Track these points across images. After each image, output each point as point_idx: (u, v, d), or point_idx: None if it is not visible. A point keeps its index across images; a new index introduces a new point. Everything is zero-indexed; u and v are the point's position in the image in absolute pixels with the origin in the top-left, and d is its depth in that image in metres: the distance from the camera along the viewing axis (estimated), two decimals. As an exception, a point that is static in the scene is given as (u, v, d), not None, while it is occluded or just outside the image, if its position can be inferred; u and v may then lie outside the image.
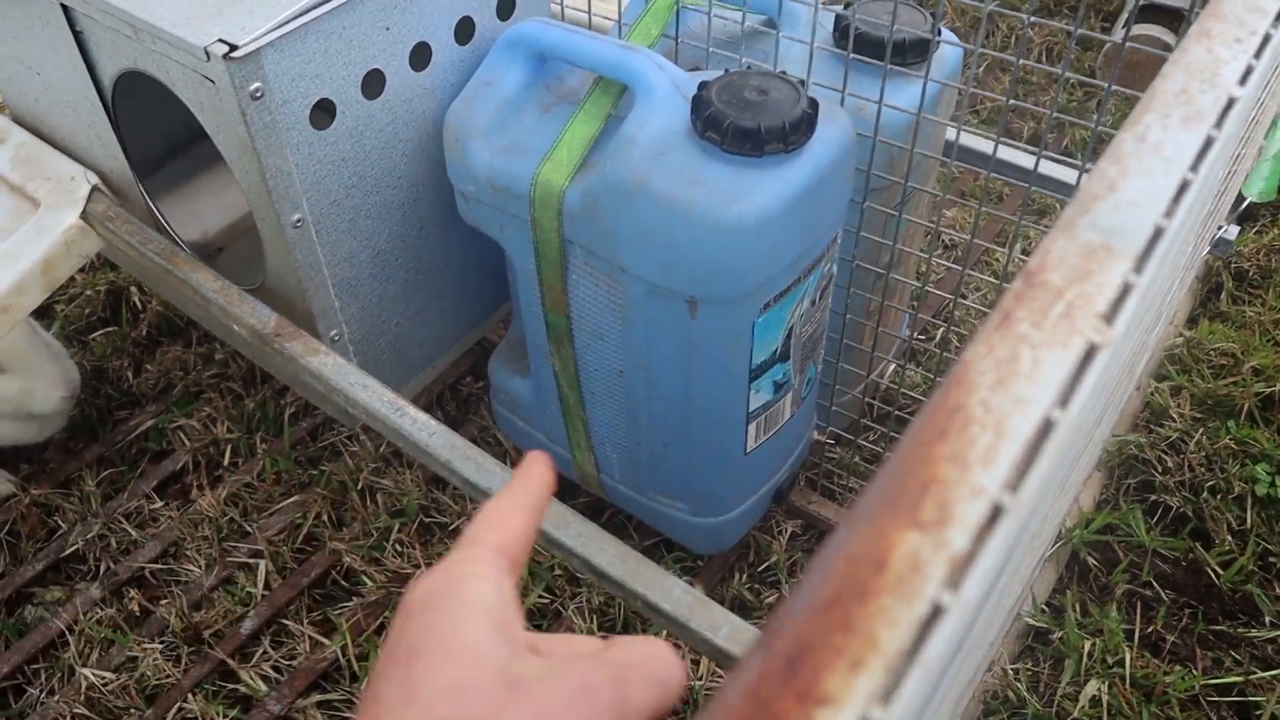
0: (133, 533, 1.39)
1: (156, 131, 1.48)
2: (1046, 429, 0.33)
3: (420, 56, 1.05)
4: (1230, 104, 0.49)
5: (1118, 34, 2.11)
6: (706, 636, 0.77)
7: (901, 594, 0.28)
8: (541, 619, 1.27)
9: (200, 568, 1.35)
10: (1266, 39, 0.54)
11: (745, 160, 0.90)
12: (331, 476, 1.42)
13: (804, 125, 0.90)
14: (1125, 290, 0.38)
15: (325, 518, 1.39)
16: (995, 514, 0.30)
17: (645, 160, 0.91)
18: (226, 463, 1.48)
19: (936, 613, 0.28)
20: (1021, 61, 0.85)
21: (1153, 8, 2.07)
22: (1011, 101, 0.87)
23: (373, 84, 1.02)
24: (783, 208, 0.89)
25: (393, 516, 1.37)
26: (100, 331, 1.65)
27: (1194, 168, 0.44)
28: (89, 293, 1.71)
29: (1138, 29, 2.05)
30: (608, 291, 1.01)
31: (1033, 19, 0.85)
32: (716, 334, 0.97)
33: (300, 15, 0.93)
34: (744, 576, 1.30)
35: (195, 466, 1.48)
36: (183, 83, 0.98)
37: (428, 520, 1.37)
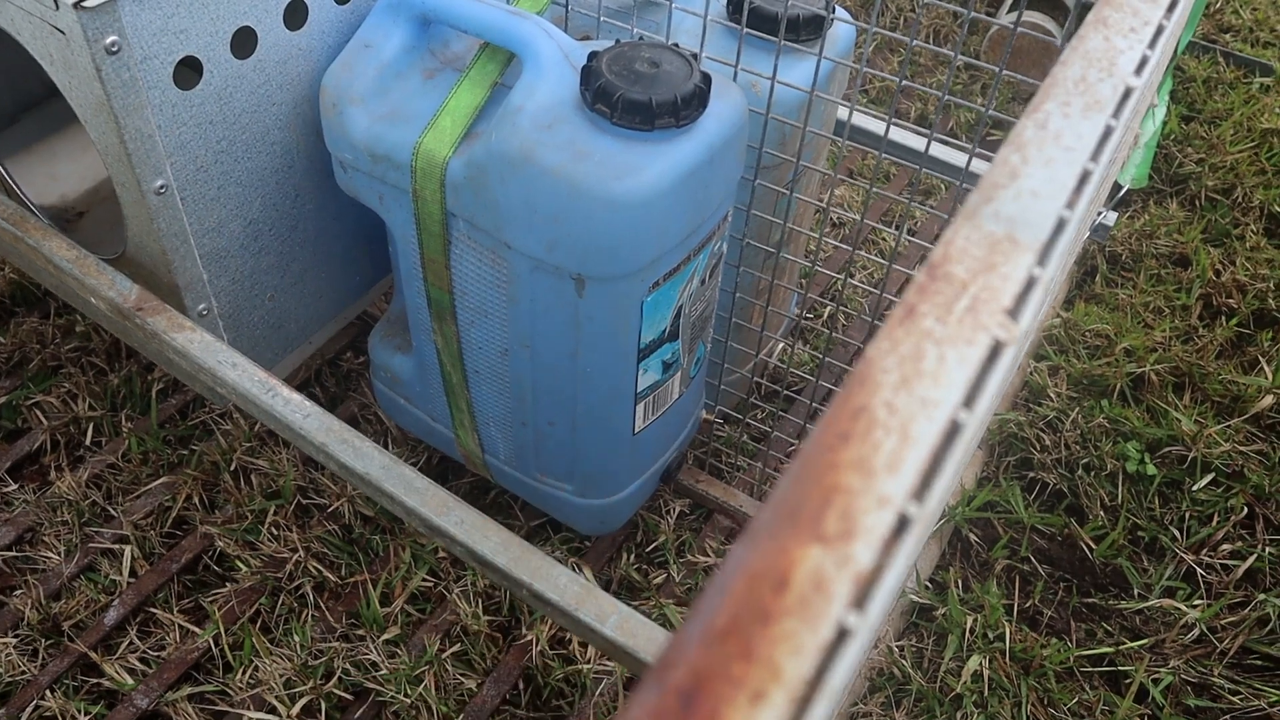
0: (-18, 517, 1.30)
1: (4, 85, 1.37)
2: (953, 432, 0.31)
3: (296, 14, 0.99)
4: (1128, 93, 0.48)
5: (1004, 18, 2.14)
6: (595, 627, 0.75)
7: (805, 617, 0.26)
8: (425, 603, 1.24)
9: (59, 555, 1.27)
10: (1160, 29, 0.54)
11: (635, 134, 0.87)
12: (203, 456, 1.35)
13: (696, 100, 0.87)
14: (1030, 284, 0.37)
15: (196, 500, 1.32)
16: (901, 525, 0.29)
17: (532, 131, 0.88)
18: (88, 442, 1.39)
19: (842, 636, 0.26)
20: (915, 43, 0.84)
21: (1035, -7, 2.11)
22: (904, 82, 0.87)
23: (244, 42, 0.96)
24: (673, 184, 0.87)
25: (268, 498, 1.31)
26: (-55, 300, 1.54)
27: (1094, 157, 0.43)
28: (-68, 258, 1.58)
29: (1016, 16, 2.09)
30: (492, 267, 0.97)
31: (924, 1, 0.84)
32: (604, 313, 0.94)
33: (161, -35, 0.86)
34: (631, 557, 1.28)
35: (54, 446, 1.39)
36: (29, 33, 0.90)
37: (305, 502, 1.32)
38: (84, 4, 0.82)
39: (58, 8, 0.83)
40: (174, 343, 0.94)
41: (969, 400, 0.32)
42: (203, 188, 1.00)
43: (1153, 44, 0.53)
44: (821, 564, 0.27)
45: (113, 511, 1.31)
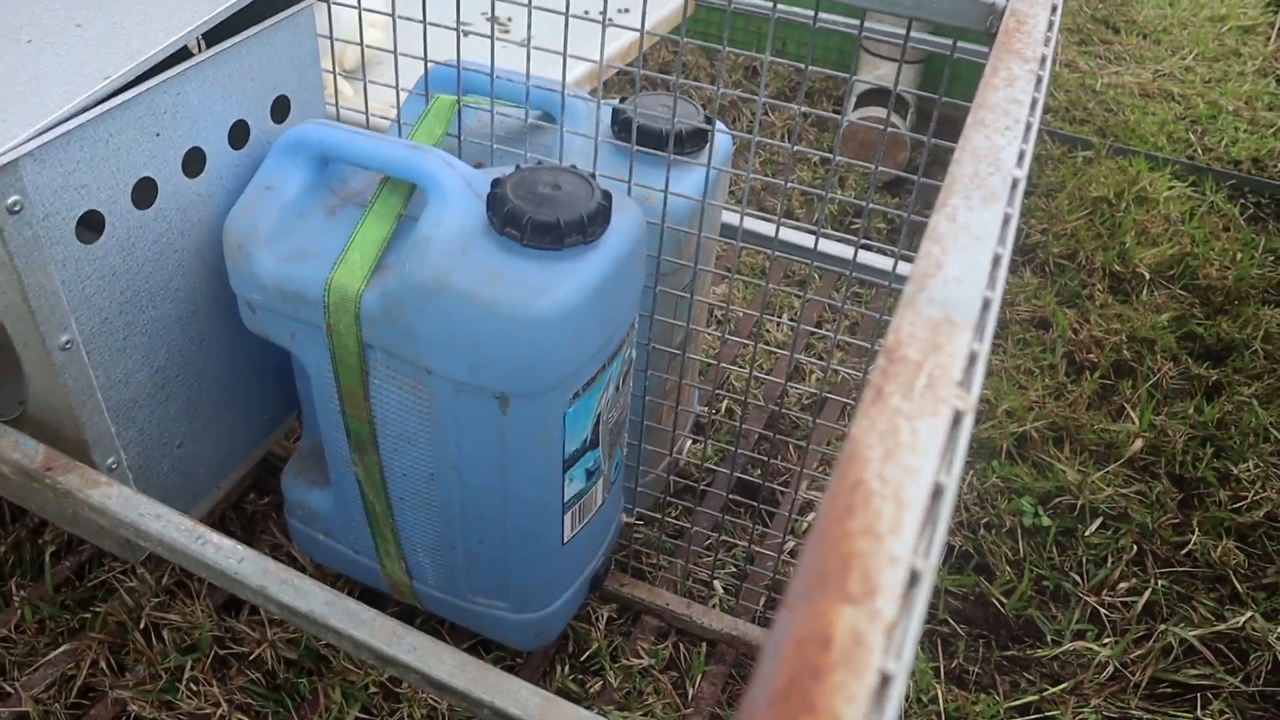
0: None
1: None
2: (938, 492, 0.35)
3: (194, 162, 1.01)
4: (1015, 183, 0.55)
5: (851, 115, 2.29)
6: (561, 735, 0.75)
7: (851, 669, 0.29)
8: (360, 742, 1.20)
9: (-46, 741, 1.19)
10: (1029, 125, 0.61)
11: (545, 254, 0.91)
12: (107, 617, 1.30)
13: (600, 217, 0.92)
14: (973, 358, 0.41)
15: (104, 664, 1.26)
16: (913, 579, 0.32)
17: (445, 259, 0.91)
18: (-23, 617, 1.32)
19: (885, 681, 0.29)
20: (796, 148, 0.91)
21: (872, 92, 2.27)
22: (788, 184, 0.93)
23: (144, 193, 0.96)
24: (586, 298, 0.91)
25: (183, 653, 1.27)
26: None
27: (1000, 242, 0.49)
28: None
29: (863, 111, 2.25)
30: (413, 393, 0.98)
31: (803, 108, 0.91)
32: (529, 427, 0.97)
33: (63, 122, 0.87)
34: (566, 668, 1.28)
35: (-62, 625, 1.31)
36: (-79, 200, 0.89)
37: (223, 652, 1.28)
38: (-15, 168, 0.82)
39: (-43, 173, 0.83)
40: (90, 499, 0.92)
41: (947, 466, 0.36)
42: (108, 340, 0.99)
43: (1025, 139, 0.60)
44: (855, 621, 0.30)
45: (8, 688, 1.24)
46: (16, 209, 0.85)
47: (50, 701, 1.23)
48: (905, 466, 0.36)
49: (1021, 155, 0.57)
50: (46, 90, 0.90)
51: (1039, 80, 0.65)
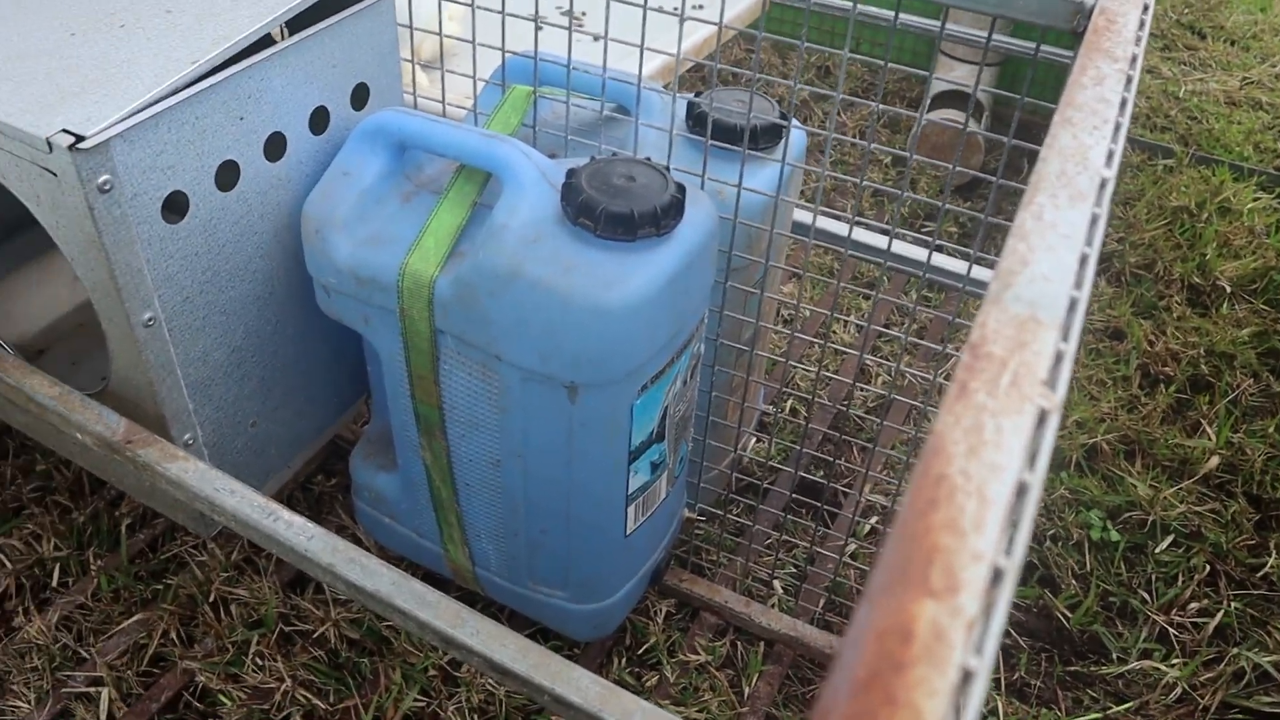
0: (-55, 670, 1.26)
1: (-33, 230, 1.38)
2: (1022, 491, 0.34)
3: (275, 147, 1.03)
4: (1103, 183, 0.53)
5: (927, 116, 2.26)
6: (619, 725, 0.75)
7: (932, 663, 0.28)
8: (418, 723, 1.22)
9: (29, 703, 1.23)
10: (1118, 125, 0.60)
11: (618, 245, 0.91)
12: (178, 590, 1.33)
13: (674, 209, 0.92)
14: (1059, 357, 0.41)
15: (174, 635, 1.29)
16: (996, 576, 0.31)
17: (519, 247, 0.91)
18: (55, 583, 1.36)
19: (967, 677, 0.29)
20: (872, 146, 0.90)
21: (948, 94, 2.24)
22: (864, 183, 0.93)
23: (227, 175, 0.99)
24: (657, 290, 0.91)
25: (250, 628, 1.29)
26: (-102, 449, 1.51)
27: (1088, 242, 0.48)
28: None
29: (938, 113, 2.22)
30: (483, 380, 0.99)
31: (880, 105, 0.90)
32: (596, 418, 0.97)
33: (151, 105, 0.89)
34: (623, 660, 1.28)
35: (18, 590, 1.35)
36: (16, 175, 0.92)
37: (288, 629, 1.30)
38: (78, 146, 0.84)
39: (51, 150, 0.85)
40: (168, 473, 0.94)
41: (1031, 463, 0.36)
42: (189, 318, 1.01)
43: (1114, 139, 0.59)
44: (937, 616, 0.30)
45: (85, 653, 1.28)
46: (107, 188, 0.88)
47: (123, 668, 1.26)
48: (989, 463, 0.35)
49: (1110, 155, 0.56)
50: (137, 74, 0.93)
51: (1129, 80, 0.63)
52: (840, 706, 0.27)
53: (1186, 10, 3.03)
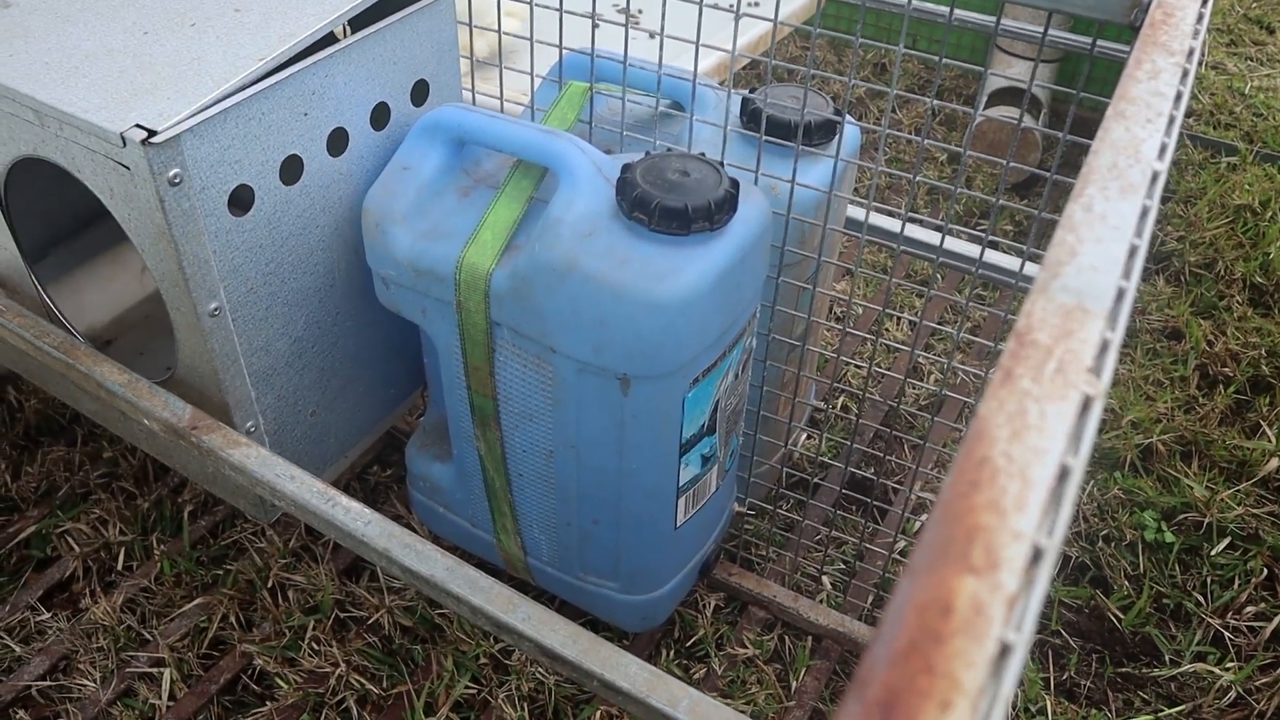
0: (16, 648, 1.30)
1: (40, 220, 1.43)
2: (1064, 474, 0.35)
3: (337, 142, 1.05)
4: (1155, 176, 0.54)
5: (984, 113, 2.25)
6: (668, 712, 0.77)
7: (971, 636, 0.29)
8: (470, 710, 1.24)
9: (95, 681, 1.27)
10: (1172, 119, 0.60)
11: (672, 239, 0.92)
12: (238, 575, 1.37)
13: (727, 204, 0.93)
14: (1104, 346, 0.41)
15: (233, 619, 1.33)
16: (1036, 555, 0.32)
17: (574, 241, 0.93)
18: (120, 567, 1.40)
19: (1005, 650, 0.29)
20: (926, 141, 0.90)
21: (1004, 91, 2.22)
22: (918, 178, 0.93)
23: (291, 169, 1.01)
24: (711, 284, 0.92)
25: (306, 614, 1.33)
26: (-26, 434, 1.56)
27: (1138, 234, 0.48)
28: (-39, 394, 1.62)
29: (994, 110, 2.20)
30: (537, 372, 1.01)
31: (935, 101, 0.90)
32: (648, 410, 0.98)
33: (220, 101, 0.92)
34: (671, 653, 1.30)
35: (85, 573, 1.40)
36: (90, 169, 0.96)
37: (343, 615, 1.33)
38: (151, 141, 0.87)
39: (125, 145, 0.89)
40: (231, 458, 0.97)
41: (1075, 448, 0.36)
42: (252, 309, 1.04)
43: (1167, 132, 0.59)
44: (977, 591, 0.31)
45: (148, 635, 1.32)
46: (177, 181, 0.91)
47: (184, 650, 1.30)
48: (1032, 447, 0.36)
49: (1163, 149, 0.56)
50: (207, 71, 0.96)
51: (1185, 74, 0.63)
52: (879, 675, 0.28)
53: (1255, 4, 2.97)
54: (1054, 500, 0.34)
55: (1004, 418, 0.37)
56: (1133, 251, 0.47)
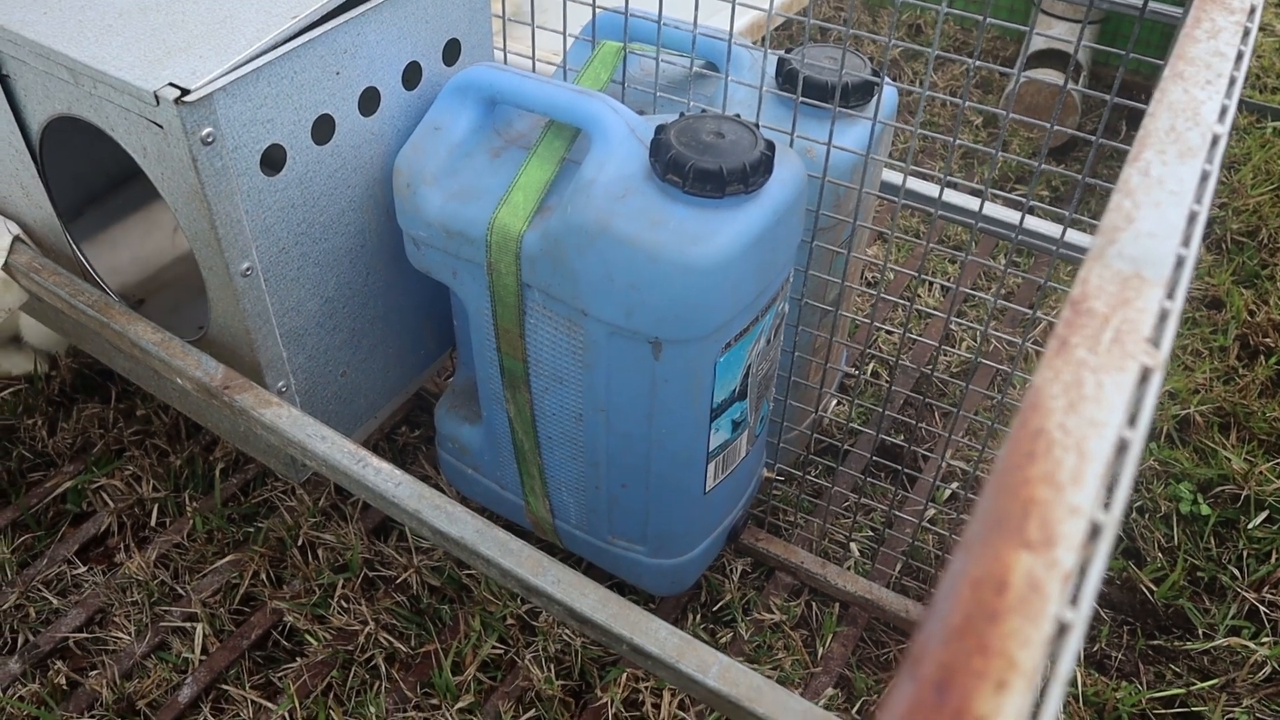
0: (54, 601, 1.32)
1: (74, 180, 1.43)
2: (1123, 447, 0.34)
3: (369, 101, 1.04)
4: (1215, 139, 0.52)
5: (1022, 75, 2.21)
6: (696, 677, 0.76)
7: (1027, 614, 0.28)
8: (497, 670, 1.25)
9: (130, 634, 1.29)
10: (1233, 80, 0.58)
11: (706, 202, 0.91)
12: (268, 533, 1.38)
13: (763, 167, 0.92)
14: (1164, 315, 0.40)
15: (264, 576, 1.34)
16: (1094, 531, 0.31)
17: (606, 203, 0.92)
18: (153, 523, 1.42)
19: (1062, 629, 0.28)
20: (967, 104, 0.88)
21: (1044, 54, 2.17)
22: (957, 141, 0.91)
23: (322, 129, 1.01)
24: (744, 248, 0.91)
25: (336, 572, 1.34)
26: (9, 390, 1.58)
27: (1198, 199, 0.47)
28: (-4, 350, 1.63)
29: (1034, 72, 2.15)
30: (568, 334, 1.00)
31: (976, 63, 0.88)
32: (679, 374, 0.98)
33: (252, 59, 0.91)
34: (698, 617, 1.30)
35: (119, 528, 1.41)
36: (124, 128, 0.95)
37: (372, 574, 1.34)
38: (184, 99, 0.87)
39: (158, 103, 0.88)
40: (262, 418, 0.97)
41: (1132, 420, 0.35)
42: (284, 269, 1.04)
43: (1229, 94, 0.57)
44: (1033, 568, 0.30)
45: (181, 590, 1.34)
46: (209, 140, 0.90)
47: (216, 606, 1.31)
48: (1089, 419, 0.35)
49: (1223, 111, 0.54)
50: (239, 29, 0.95)
51: (1246, 33, 0.61)
52: (934, 653, 0.27)
53: (1302, -34, 2.89)
54: (1112, 474, 0.33)
55: (1059, 388, 0.36)
56: (1192, 217, 0.46)
